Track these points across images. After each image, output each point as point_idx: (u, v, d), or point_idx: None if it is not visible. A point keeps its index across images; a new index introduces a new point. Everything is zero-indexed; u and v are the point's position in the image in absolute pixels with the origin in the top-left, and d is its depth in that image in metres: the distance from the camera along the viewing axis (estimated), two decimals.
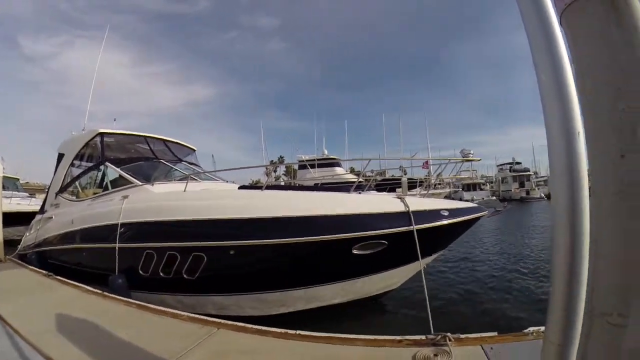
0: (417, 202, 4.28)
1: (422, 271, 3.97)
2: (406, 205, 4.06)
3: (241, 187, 5.92)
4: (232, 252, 4.19)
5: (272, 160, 68.05)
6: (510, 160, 50.03)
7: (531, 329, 2.57)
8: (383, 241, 4.02)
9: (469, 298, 5.60)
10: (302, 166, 28.07)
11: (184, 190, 5.19)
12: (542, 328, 2.59)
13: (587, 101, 0.78)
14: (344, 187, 4.79)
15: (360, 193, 4.59)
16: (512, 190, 42.47)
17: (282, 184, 29.73)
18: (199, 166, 8.49)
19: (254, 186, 6.46)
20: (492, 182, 50.81)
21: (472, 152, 35.36)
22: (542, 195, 39.08)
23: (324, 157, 29.95)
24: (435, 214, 4.16)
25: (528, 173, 45.13)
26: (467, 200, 36.19)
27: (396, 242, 4.02)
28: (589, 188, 0.77)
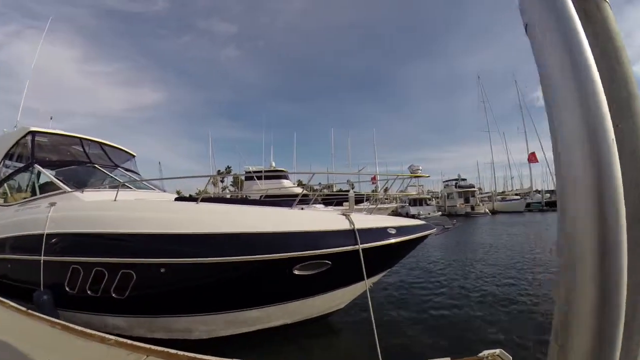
0: (363, 220, 4.15)
1: (368, 291, 3.79)
2: (351, 222, 3.91)
3: (178, 199, 5.48)
4: (163, 271, 3.82)
5: (219, 170, 67.18)
6: (456, 177, 51.87)
7: (485, 352, 2.51)
8: (327, 261, 3.80)
9: (418, 318, 5.53)
10: (249, 177, 27.51)
11: (115, 200, 4.72)
12: (497, 351, 2.48)
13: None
14: (291, 201, 4.52)
15: (303, 208, 4.34)
16: (458, 205, 44.27)
17: (228, 195, 28.88)
18: (137, 173, 7.87)
19: (192, 198, 6.02)
20: (438, 198, 53.02)
21: (420, 167, 36.80)
22: (487, 210, 41.15)
23: (272, 168, 29.48)
24: (381, 232, 4.04)
25: (473, 189, 47.15)
26: (413, 215, 37.53)
27: (341, 262, 3.86)
28: None
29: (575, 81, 0.66)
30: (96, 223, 4.32)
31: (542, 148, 47.98)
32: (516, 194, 49.30)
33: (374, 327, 3.35)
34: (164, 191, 7.14)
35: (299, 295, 4.16)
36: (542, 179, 62.22)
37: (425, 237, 4.56)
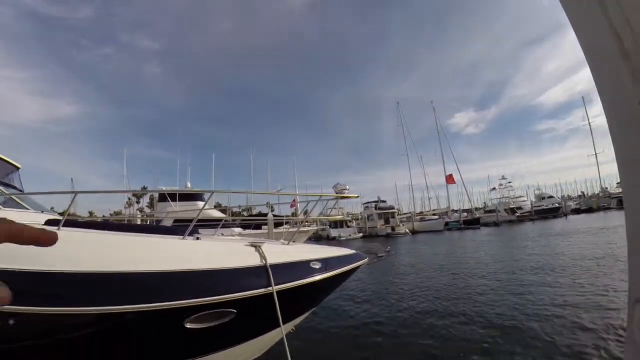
0: (279, 252, 3.25)
1: (285, 340, 2.86)
2: (263, 256, 2.95)
3: (49, 222, 4.01)
4: (11, 322, 2.49)
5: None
6: (376, 199, 53.30)
7: None
8: (230, 309, 2.80)
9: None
10: (163, 199, 25.26)
11: None
12: None
13: None
14: (184, 226, 3.44)
15: (198, 238, 3.27)
16: (378, 226, 45.39)
17: (138, 217, 26.04)
18: (17, 188, 6.03)
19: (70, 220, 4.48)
20: (358, 219, 53.75)
21: (347, 187, 36.42)
22: (407, 230, 42.71)
23: (186, 189, 27.36)
24: (302, 267, 3.17)
25: (393, 210, 48.90)
26: (334, 237, 37.43)
27: (249, 310, 2.88)
28: None
29: None
30: None
31: (458, 170, 52.09)
32: (434, 214, 52.08)
33: None
34: (42, 212, 5.50)
35: (192, 354, 3.06)
36: (458, 199, 66.92)
37: (356, 268, 3.79)
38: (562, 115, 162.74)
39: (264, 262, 2.93)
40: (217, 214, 24.36)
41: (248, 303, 2.83)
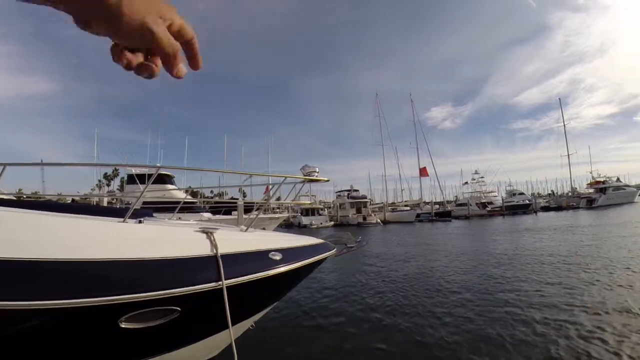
0: (233, 240, 2.83)
1: (234, 345, 2.50)
2: (214, 244, 2.54)
3: None
4: None
5: (106, 173, 61.77)
6: (349, 187, 52.96)
7: None
8: (174, 307, 2.39)
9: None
10: (131, 181, 24.27)
11: None
12: None
13: None
14: (123, 209, 2.97)
15: (141, 221, 2.80)
16: (350, 215, 45.12)
17: (113, 200, 24.81)
18: None
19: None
20: (330, 208, 53.63)
21: (317, 169, 35.49)
22: (378, 220, 42.78)
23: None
24: (259, 258, 2.76)
25: (365, 200, 48.78)
26: (305, 225, 36.93)
27: (196, 307, 2.47)
28: None
29: None
30: None
31: (432, 163, 52.70)
32: (406, 205, 52.50)
33: None
34: None
35: (129, 359, 2.64)
36: (430, 191, 67.77)
37: (322, 260, 3.43)
38: (537, 116, 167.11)
39: (214, 251, 2.52)
40: (181, 195, 23.59)
41: (194, 300, 2.43)
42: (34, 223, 2.36)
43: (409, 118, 58.10)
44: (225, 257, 2.53)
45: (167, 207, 10.51)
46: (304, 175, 3.47)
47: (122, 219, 2.66)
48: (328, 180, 3.59)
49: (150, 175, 24.05)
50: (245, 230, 3.24)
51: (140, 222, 2.77)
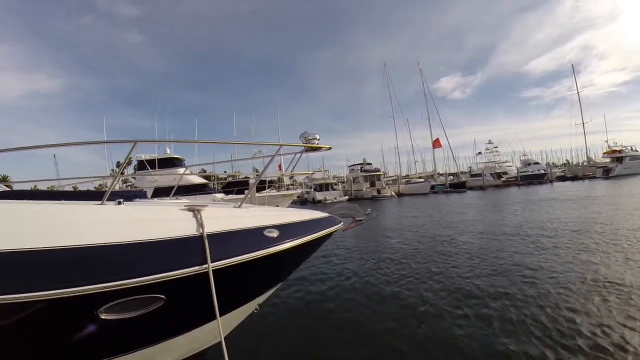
0: (224, 217, 2.57)
1: (222, 336, 2.29)
2: (200, 222, 2.27)
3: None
4: None
5: (119, 162, 63.24)
6: (361, 161, 52.53)
7: None
8: (158, 295, 2.16)
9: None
10: (142, 167, 24.34)
11: None
12: None
13: None
14: (104, 192, 2.71)
15: (120, 202, 2.54)
16: (364, 189, 44.98)
17: (128, 188, 25.02)
18: None
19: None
20: (343, 182, 53.36)
21: (317, 137, 34.17)
22: (393, 193, 42.49)
23: (165, 156, 25.94)
24: (253, 237, 2.49)
25: (378, 173, 48.38)
26: (319, 201, 36.79)
27: (182, 294, 2.21)
28: None
29: None
30: None
31: (445, 134, 51.74)
32: (420, 177, 51.92)
33: None
34: None
35: (110, 352, 2.41)
36: (444, 163, 66.84)
37: (327, 236, 3.13)
38: (549, 84, 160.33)
39: (200, 231, 2.26)
40: (197, 179, 23.56)
41: (180, 286, 2.19)
42: (10, 211, 2.15)
43: (418, 89, 56.68)
44: (212, 236, 2.26)
45: (179, 191, 10.40)
46: (304, 143, 3.12)
47: (99, 202, 2.42)
48: (330, 148, 3.25)
49: (161, 160, 24.09)
50: (239, 206, 2.97)
51: (119, 203, 2.52)
